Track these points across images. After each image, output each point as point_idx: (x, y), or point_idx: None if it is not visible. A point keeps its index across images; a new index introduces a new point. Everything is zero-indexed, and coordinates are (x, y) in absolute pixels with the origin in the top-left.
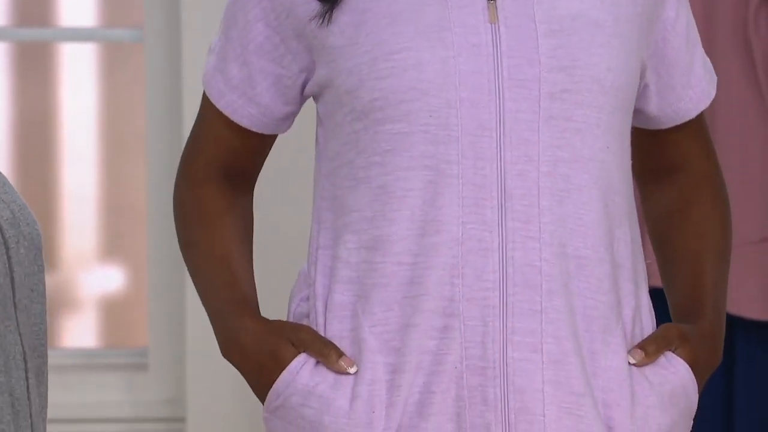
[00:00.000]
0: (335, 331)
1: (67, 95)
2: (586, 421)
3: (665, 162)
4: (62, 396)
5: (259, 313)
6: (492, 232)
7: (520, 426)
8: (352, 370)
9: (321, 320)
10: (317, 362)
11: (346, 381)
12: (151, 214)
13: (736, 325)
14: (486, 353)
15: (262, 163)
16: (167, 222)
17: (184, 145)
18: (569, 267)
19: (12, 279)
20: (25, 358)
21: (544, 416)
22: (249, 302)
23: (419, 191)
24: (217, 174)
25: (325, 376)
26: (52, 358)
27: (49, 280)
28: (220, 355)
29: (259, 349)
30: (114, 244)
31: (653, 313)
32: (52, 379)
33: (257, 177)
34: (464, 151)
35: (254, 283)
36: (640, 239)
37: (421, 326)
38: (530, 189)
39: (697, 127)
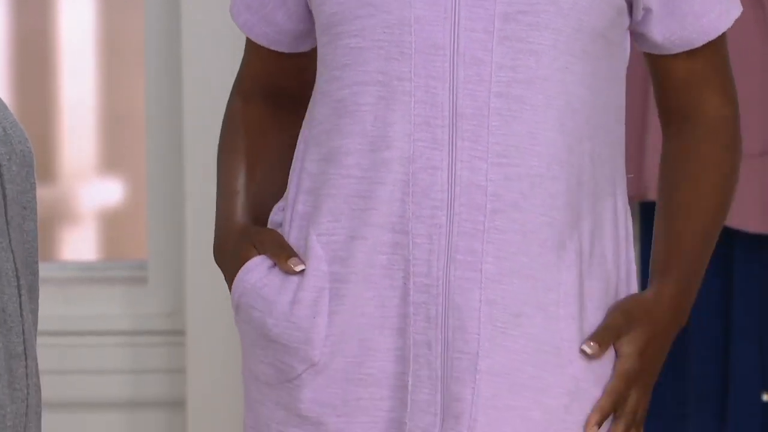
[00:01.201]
0: (294, 240)
1: (65, 5)
2: (521, 341)
3: (678, 103)
4: (62, 309)
5: (259, 222)
6: (441, 150)
7: (457, 344)
8: (298, 268)
9: (287, 228)
10: (272, 266)
11: (290, 285)
12: (149, 125)
13: (735, 238)
14: (431, 271)
15: (309, 83)
16: (166, 134)
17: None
18: (521, 186)
19: (4, 196)
20: (17, 275)
21: (478, 335)
22: (242, 208)
23: (371, 106)
24: (261, 92)
25: (273, 279)
26: (52, 271)
27: (49, 193)
28: None
29: (231, 250)
30: (113, 157)
31: (627, 224)
32: (52, 292)
33: (307, 96)
34: (416, 69)
35: (270, 195)
36: (617, 154)
37: (369, 240)
38: (480, 109)
39: (711, 59)
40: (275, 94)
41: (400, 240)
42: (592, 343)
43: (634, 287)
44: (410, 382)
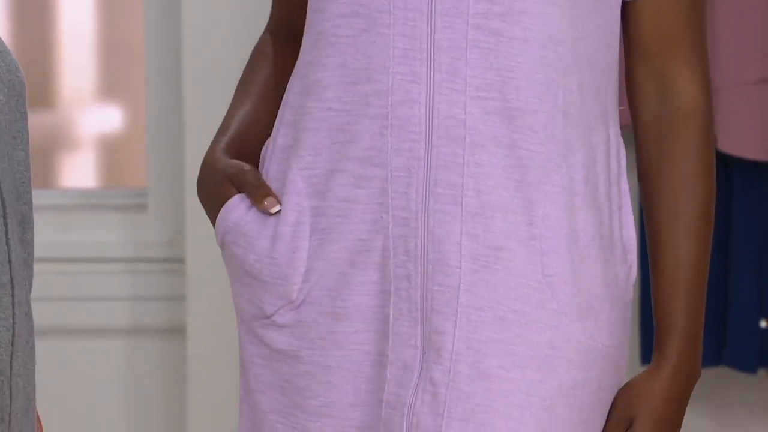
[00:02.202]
0: (273, 173)
1: None
2: (502, 275)
3: (646, 73)
4: (61, 236)
5: (253, 158)
6: (420, 84)
7: (437, 277)
8: (273, 210)
9: (267, 162)
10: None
11: (270, 222)
12: (148, 52)
13: (734, 165)
14: (409, 204)
15: None
16: (165, 60)
17: None
18: (500, 120)
19: None
20: (3, 205)
21: (460, 268)
22: (230, 143)
23: (351, 39)
24: (287, 32)
25: (254, 216)
26: (51, 198)
27: (47, 119)
28: None
29: (212, 188)
30: (113, 83)
31: (620, 155)
32: (51, 219)
33: None
34: (395, 2)
35: (266, 128)
36: (609, 84)
37: (348, 173)
38: (458, 41)
39: (683, 15)
40: (299, 35)
41: (379, 173)
42: None
43: (627, 220)
44: (391, 315)
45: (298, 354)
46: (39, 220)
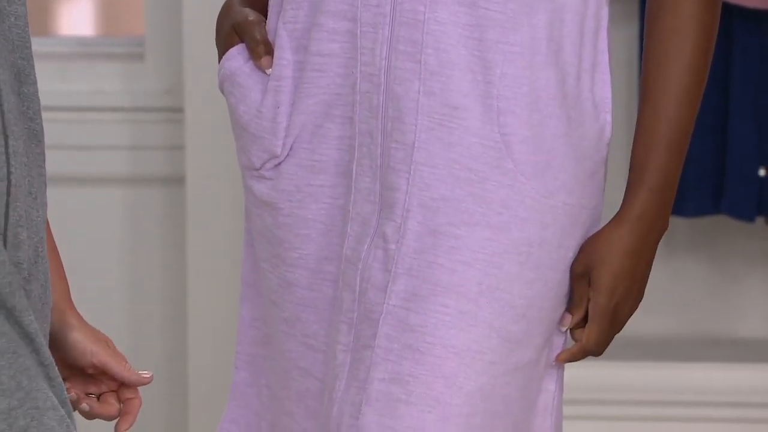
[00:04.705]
0: (270, 27)
1: None
2: (457, 133)
3: None
4: (59, 85)
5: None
6: None
7: (395, 134)
8: (267, 71)
9: (268, 15)
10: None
11: (263, 75)
12: None
13: (733, 14)
14: (374, 60)
15: None
16: None
17: None
18: None
19: None
20: None
21: (415, 125)
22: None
23: None
24: None
25: (251, 68)
26: (50, 46)
27: None
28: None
29: (222, 33)
30: None
31: (600, 12)
32: (50, 67)
33: None
34: None
35: None
36: None
37: (324, 27)
38: None
39: None
40: None
41: (351, 28)
42: (565, 320)
43: (601, 78)
44: (354, 170)
45: (279, 206)
46: (36, 69)
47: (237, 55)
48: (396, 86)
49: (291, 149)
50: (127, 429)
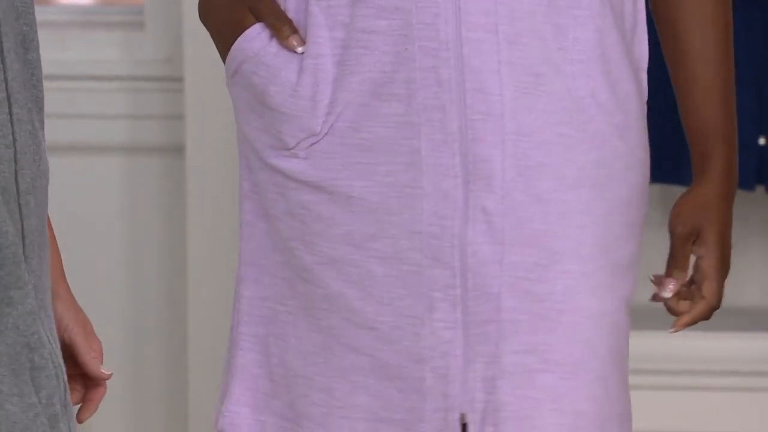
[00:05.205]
0: (292, 4)
1: None
2: (543, 100)
3: None
4: (58, 53)
5: None
6: None
7: (477, 106)
8: (299, 50)
9: None
10: (273, 35)
11: (296, 54)
12: None
13: None
14: (438, 35)
15: None
16: None
17: None
18: None
19: None
20: None
21: (501, 95)
22: None
23: None
24: None
25: (277, 47)
26: (49, 15)
27: None
28: None
29: (225, 13)
30: None
31: None
32: (50, 35)
33: None
34: None
35: None
36: None
37: (370, 3)
38: None
39: None
40: None
41: (401, 4)
42: (670, 286)
43: (641, 37)
44: (423, 147)
45: (320, 184)
46: None
47: (258, 35)
48: (472, 58)
49: (332, 127)
50: (87, 418)
